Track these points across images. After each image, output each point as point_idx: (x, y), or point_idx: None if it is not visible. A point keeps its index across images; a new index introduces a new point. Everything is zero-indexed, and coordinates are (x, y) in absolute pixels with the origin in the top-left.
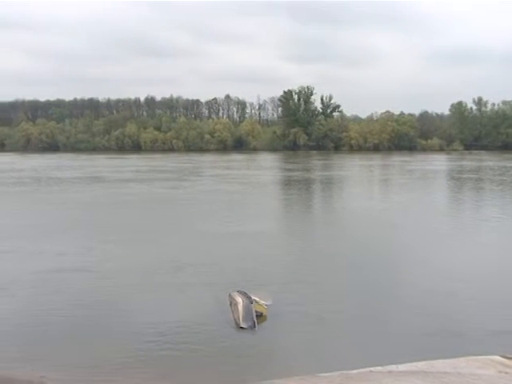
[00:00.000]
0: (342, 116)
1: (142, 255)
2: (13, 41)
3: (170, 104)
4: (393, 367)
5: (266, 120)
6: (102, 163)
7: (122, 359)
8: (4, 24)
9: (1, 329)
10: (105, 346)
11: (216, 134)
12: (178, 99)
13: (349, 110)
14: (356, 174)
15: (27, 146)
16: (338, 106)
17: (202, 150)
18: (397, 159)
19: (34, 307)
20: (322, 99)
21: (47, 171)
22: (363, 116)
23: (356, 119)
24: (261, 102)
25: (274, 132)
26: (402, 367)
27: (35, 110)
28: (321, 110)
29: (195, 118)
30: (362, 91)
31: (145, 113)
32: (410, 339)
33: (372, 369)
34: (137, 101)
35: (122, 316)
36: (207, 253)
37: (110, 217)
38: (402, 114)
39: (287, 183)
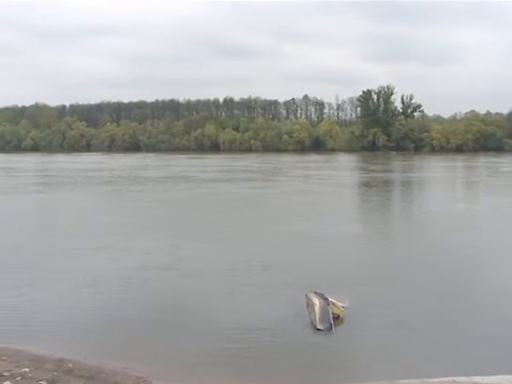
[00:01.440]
0: (424, 116)
1: (225, 254)
2: (100, 46)
3: (248, 104)
4: (478, 379)
5: (345, 120)
6: (184, 163)
7: (197, 357)
8: (91, 30)
9: (88, 322)
10: (182, 342)
11: (294, 135)
12: (256, 100)
13: (430, 110)
14: (442, 176)
15: (111, 146)
16: (419, 106)
17: (279, 150)
18: (485, 160)
19: (117, 303)
20: (402, 99)
21: (135, 171)
22: (446, 116)
23: (438, 119)
24: (339, 102)
25: (352, 132)
26: (488, 379)
27: (119, 111)
28: (401, 110)
29: (273, 119)
30: (444, 90)
31: (223, 113)
32: (498, 349)
33: (455, 378)
34: (216, 101)
35: (200, 314)
36: (290, 253)
37: (197, 216)
38: (488, 113)
39: (373, 184)
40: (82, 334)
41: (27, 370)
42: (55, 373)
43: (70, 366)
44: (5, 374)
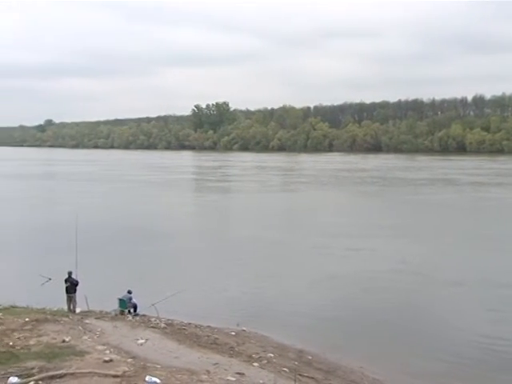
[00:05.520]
0: None
1: (494, 266)
2: (339, 48)
3: (501, 102)
4: None
5: None
6: (436, 165)
7: (437, 368)
8: (328, 33)
9: (327, 318)
10: (422, 350)
11: None
12: (510, 97)
13: None
14: None
15: (352, 147)
16: None
17: None
18: None
19: (358, 303)
20: None
21: (387, 171)
22: None
23: None
24: None
25: None
26: None
27: (361, 112)
28: None
29: None
30: None
31: (472, 112)
32: None
33: None
34: (463, 100)
35: (447, 324)
36: None
37: (469, 223)
38: None
39: None
40: (321, 328)
41: (272, 355)
42: (296, 362)
43: (310, 358)
44: (253, 355)
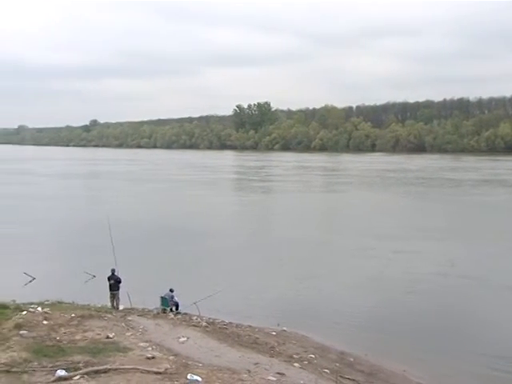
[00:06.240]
0: None
1: None
2: (380, 47)
3: None
4: None
5: None
6: (488, 165)
7: (478, 368)
8: (368, 32)
9: (369, 320)
10: (468, 356)
11: None
12: None
13: None
14: None
15: (395, 147)
16: None
17: None
18: None
19: (401, 306)
20: None
21: (435, 172)
22: None
23: None
24: None
25: None
26: None
27: (404, 111)
28: None
29: None
30: None
31: None
32: None
33: None
34: None
35: (493, 330)
36: None
37: None
38: None
39: None
40: (363, 330)
41: (313, 356)
42: (337, 364)
43: (351, 359)
44: (294, 356)
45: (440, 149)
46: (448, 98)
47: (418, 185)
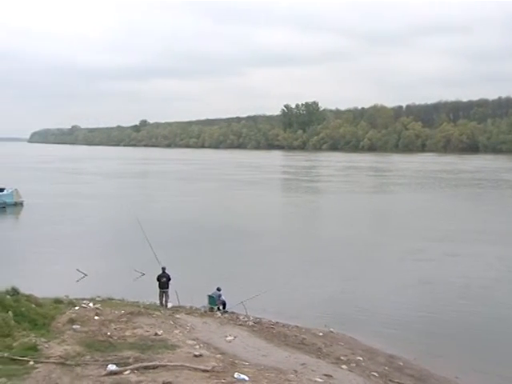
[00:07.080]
0: None
1: None
2: (430, 45)
3: None
4: None
5: None
6: None
7: None
8: (417, 30)
9: (419, 323)
10: None
11: None
12: None
13: None
14: None
15: (446, 147)
16: None
17: None
18: None
19: (453, 310)
20: None
21: (492, 173)
22: None
23: None
24: None
25: None
26: None
27: (456, 110)
28: None
29: None
30: None
31: None
32: None
33: None
34: None
35: None
36: None
37: None
38: None
39: None
40: (412, 333)
41: (361, 358)
42: (386, 367)
43: (401, 363)
44: (342, 358)
45: (494, 149)
46: (503, 96)
47: (475, 186)
